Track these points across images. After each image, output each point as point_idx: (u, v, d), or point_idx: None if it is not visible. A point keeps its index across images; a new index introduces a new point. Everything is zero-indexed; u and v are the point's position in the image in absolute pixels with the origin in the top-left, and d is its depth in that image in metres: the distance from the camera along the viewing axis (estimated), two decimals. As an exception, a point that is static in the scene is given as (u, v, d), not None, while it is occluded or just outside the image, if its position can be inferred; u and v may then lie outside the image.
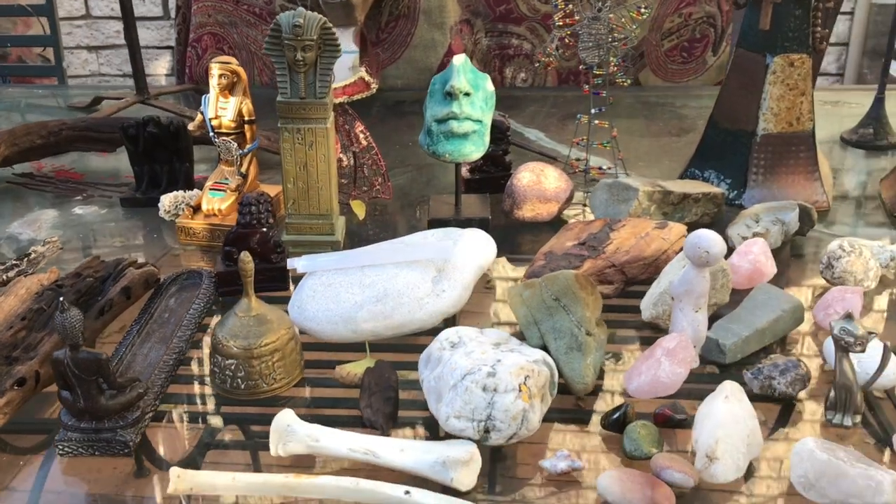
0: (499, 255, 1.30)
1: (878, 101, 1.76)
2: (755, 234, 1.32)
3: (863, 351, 0.92)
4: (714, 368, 1.06)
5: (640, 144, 1.87)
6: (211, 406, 1.03)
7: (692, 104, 2.13)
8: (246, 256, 0.99)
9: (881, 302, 1.22)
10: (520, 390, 0.90)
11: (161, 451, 0.95)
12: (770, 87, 1.43)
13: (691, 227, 1.39)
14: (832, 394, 0.94)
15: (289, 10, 1.26)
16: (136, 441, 0.93)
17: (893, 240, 1.37)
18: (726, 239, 1.34)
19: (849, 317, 0.92)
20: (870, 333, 0.92)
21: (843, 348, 0.92)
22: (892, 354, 1.01)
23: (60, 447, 0.93)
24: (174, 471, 0.84)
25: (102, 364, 0.89)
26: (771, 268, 1.23)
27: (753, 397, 0.95)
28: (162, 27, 3.10)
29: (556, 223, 1.46)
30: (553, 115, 2.07)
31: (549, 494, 0.87)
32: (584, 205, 1.51)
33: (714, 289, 1.12)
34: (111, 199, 1.62)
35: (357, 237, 1.43)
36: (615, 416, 0.95)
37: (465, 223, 1.38)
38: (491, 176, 1.57)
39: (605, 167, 1.58)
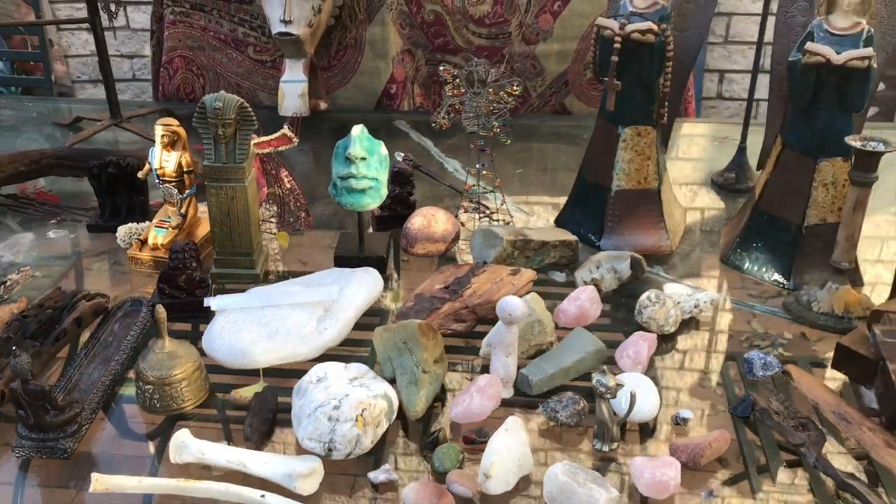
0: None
1: (741, 150, 2.03)
2: (593, 279, 1.61)
3: (613, 398, 1.22)
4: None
5: (539, 180, 2.16)
6: (134, 420, 1.34)
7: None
8: (160, 308, 1.30)
9: (678, 342, 1.52)
10: (356, 420, 1.22)
11: (93, 454, 1.27)
12: (621, 152, 1.71)
13: (550, 267, 1.70)
14: (595, 427, 1.25)
15: (212, 94, 1.55)
16: (74, 448, 1.25)
17: (712, 284, 1.67)
18: (574, 281, 1.65)
19: (603, 372, 1.22)
20: (618, 385, 1.22)
21: (600, 394, 1.22)
22: (657, 392, 1.31)
23: (16, 451, 1.25)
24: (94, 475, 1.16)
25: (46, 393, 1.21)
26: (595, 312, 1.53)
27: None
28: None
29: (445, 258, 1.76)
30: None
31: (370, 500, 1.19)
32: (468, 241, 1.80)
33: (532, 335, 1.43)
34: (80, 223, 1.93)
35: (286, 262, 1.76)
36: (431, 438, 1.26)
37: (365, 260, 1.68)
38: (397, 213, 1.86)
39: (488, 211, 1.87)
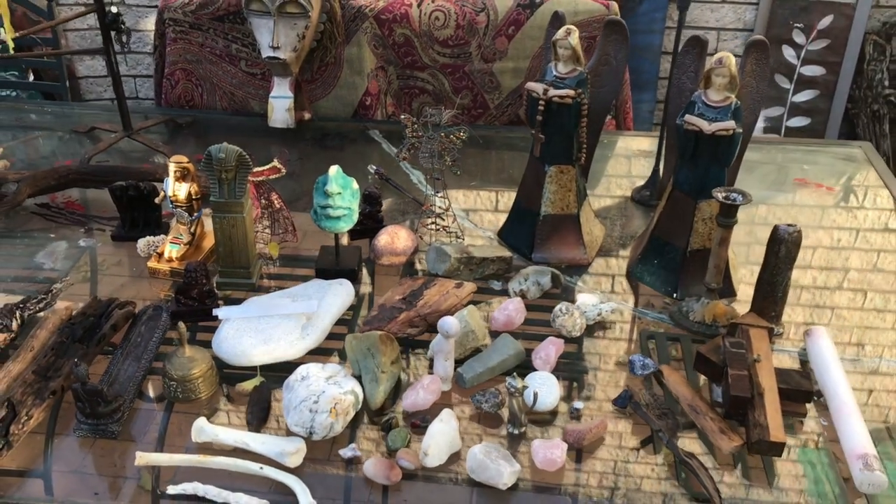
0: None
1: (654, 173, 2.43)
2: (521, 290, 2.03)
3: (520, 396, 1.65)
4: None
5: (490, 190, 2.56)
6: (162, 408, 1.76)
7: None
8: (182, 324, 1.71)
9: (583, 345, 1.94)
10: (330, 412, 1.64)
11: (132, 435, 1.69)
12: (548, 185, 2.11)
13: (489, 278, 2.12)
14: (509, 416, 1.68)
15: (216, 146, 1.93)
16: (119, 430, 1.67)
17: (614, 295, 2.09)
18: (507, 290, 2.06)
19: (514, 377, 1.65)
20: (524, 386, 1.64)
21: (511, 393, 1.65)
22: (558, 387, 1.74)
23: (76, 432, 1.67)
24: (138, 453, 1.58)
25: (99, 391, 1.63)
26: (520, 319, 1.95)
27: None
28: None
29: (407, 268, 2.17)
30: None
31: (340, 471, 1.62)
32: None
33: (468, 341, 1.85)
34: (104, 231, 2.32)
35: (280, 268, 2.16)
36: (386, 423, 1.68)
37: (340, 272, 2.09)
38: (368, 227, 2.27)
39: (442, 224, 2.27)
